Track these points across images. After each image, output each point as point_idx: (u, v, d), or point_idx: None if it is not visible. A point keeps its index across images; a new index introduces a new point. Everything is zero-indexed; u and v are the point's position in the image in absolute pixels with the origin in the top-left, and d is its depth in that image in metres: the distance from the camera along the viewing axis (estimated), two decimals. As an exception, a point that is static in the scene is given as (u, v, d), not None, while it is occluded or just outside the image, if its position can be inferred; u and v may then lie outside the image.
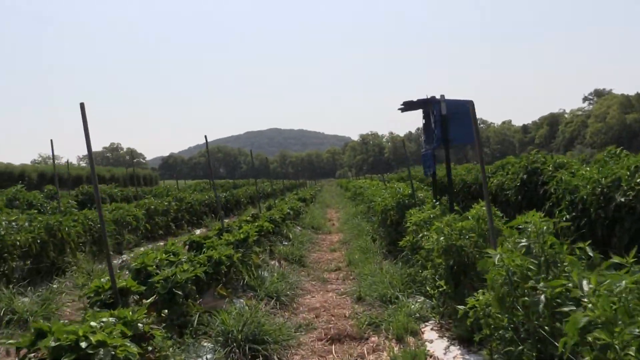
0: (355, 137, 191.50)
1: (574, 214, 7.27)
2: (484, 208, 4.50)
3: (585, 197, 6.78)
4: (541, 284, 2.54)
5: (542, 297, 2.49)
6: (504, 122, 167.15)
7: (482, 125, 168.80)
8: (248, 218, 10.22)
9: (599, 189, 6.50)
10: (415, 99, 6.48)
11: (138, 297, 4.73)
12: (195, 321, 4.51)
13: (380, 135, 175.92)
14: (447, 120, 6.20)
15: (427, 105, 6.61)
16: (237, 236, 7.04)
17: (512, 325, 3.26)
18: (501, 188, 10.28)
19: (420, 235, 5.58)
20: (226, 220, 18.06)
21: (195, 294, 4.79)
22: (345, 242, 12.24)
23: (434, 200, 7.15)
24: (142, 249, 10.79)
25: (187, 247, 6.79)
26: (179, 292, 4.36)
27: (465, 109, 6.33)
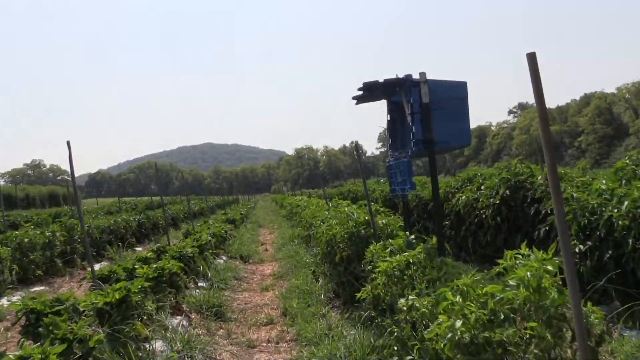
0: (290, 152, 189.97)
1: (589, 243, 5.33)
2: (542, 263, 2.34)
3: (615, 220, 4.83)
4: None
5: None
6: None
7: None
8: (149, 254, 7.65)
9: (642, 210, 4.55)
10: (381, 79, 4.30)
11: None
12: None
13: (315, 149, 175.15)
14: (431, 112, 4.07)
15: (398, 90, 4.47)
16: (110, 297, 4.54)
17: None
18: (471, 207, 8.31)
19: (402, 300, 3.33)
20: (138, 249, 15.22)
21: None
22: (280, 277, 9.89)
23: (407, 233, 4.96)
24: (3, 299, 7.96)
25: (23, 319, 4.21)
26: None
27: (459, 93, 4.24)
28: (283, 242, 14.40)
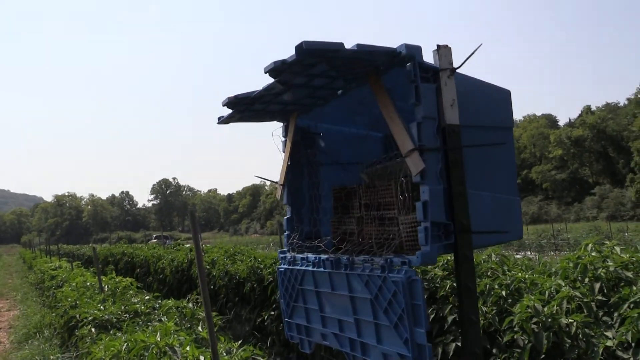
0: (48, 198, 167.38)
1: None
2: None
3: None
4: None
5: None
6: (209, 191, 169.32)
7: (189, 193, 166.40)
8: None
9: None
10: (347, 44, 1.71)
11: None
12: None
13: (79, 197, 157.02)
14: (462, 153, 1.64)
15: (371, 81, 1.88)
16: None
17: None
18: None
19: None
20: None
21: None
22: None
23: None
24: None
25: None
26: None
27: (503, 117, 1.91)
28: (27, 332, 10.13)
